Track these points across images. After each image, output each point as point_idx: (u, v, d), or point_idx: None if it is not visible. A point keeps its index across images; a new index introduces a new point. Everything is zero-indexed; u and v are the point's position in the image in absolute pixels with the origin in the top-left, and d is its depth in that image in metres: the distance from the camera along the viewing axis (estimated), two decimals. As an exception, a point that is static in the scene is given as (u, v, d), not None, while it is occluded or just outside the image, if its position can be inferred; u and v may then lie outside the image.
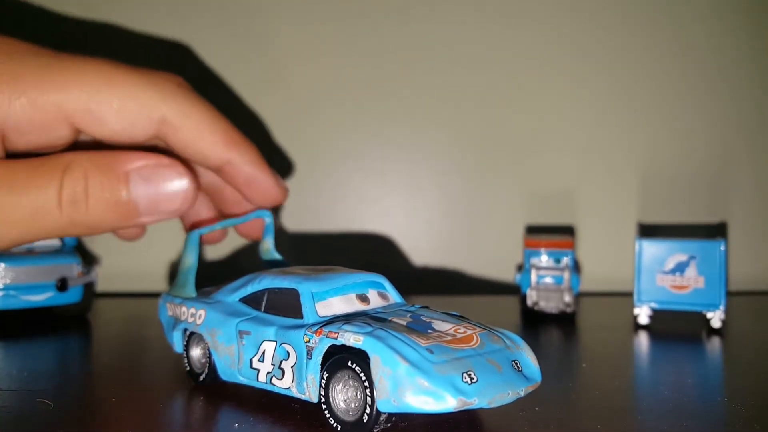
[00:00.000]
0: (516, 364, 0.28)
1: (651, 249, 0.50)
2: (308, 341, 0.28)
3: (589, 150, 0.67)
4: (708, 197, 0.67)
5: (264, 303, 0.33)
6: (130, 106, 0.33)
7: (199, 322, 0.35)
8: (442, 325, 0.29)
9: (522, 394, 0.27)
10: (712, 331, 0.48)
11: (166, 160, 0.33)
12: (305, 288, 0.31)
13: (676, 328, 0.49)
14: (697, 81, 0.67)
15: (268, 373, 0.30)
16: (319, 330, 0.28)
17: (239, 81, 0.66)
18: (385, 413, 0.26)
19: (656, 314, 0.50)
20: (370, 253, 0.67)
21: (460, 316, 0.31)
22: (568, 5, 0.66)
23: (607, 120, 0.67)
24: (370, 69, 0.67)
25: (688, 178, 0.67)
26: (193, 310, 0.35)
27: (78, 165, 0.31)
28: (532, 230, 0.66)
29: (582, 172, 0.67)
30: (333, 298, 0.31)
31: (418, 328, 0.28)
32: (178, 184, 0.33)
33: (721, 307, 0.48)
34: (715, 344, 0.45)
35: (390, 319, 0.29)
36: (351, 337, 0.27)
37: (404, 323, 0.29)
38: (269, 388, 0.30)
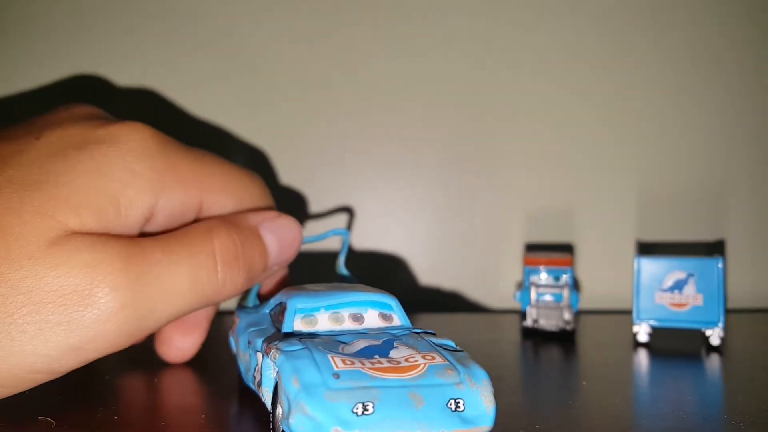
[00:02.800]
0: (456, 402, 0.26)
1: (649, 267, 0.50)
2: (266, 354, 0.30)
3: (587, 168, 0.68)
4: (707, 215, 0.68)
5: (275, 316, 0.34)
6: (244, 198, 0.39)
7: (233, 329, 0.38)
8: (401, 352, 0.28)
9: None
10: (712, 349, 0.48)
11: (277, 213, 0.39)
12: (292, 303, 0.32)
13: (676, 345, 0.49)
14: (695, 99, 0.67)
15: (257, 381, 0.31)
16: (269, 346, 0.29)
17: (227, 97, 0.67)
18: None
19: (655, 332, 0.51)
20: (372, 270, 0.68)
21: (445, 347, 0.30)
22: (565, 22, 0.67)
23: (606, 138, 0.68)
24: (365, 86, 0.67)
25: (686, 196, 0.68)
26: (236, 318, 0.39)
27: (221, 227, 0.34)
28: (532, 248, 0.66)
29: (580, 190, 0.68)
30: (320, 314, 0.32)
31: (365, 353, 0.28)
32: (294, 231, 0.38)
33: (720, 325, 0.48)
34: (714, 361, 0.45)
35: (348, 341, 0.29)
36: (274, 354, 0.28)
37: (361, 346, 0.29)
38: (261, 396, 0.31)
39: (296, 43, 0.67)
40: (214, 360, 0.44)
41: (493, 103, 0.67)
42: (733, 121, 0.68)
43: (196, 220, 0.37)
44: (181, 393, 0.38)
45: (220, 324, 0.53)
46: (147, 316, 0.30)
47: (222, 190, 0.37)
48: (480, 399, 0.26)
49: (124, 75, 0.66)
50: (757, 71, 0.67)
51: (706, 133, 0.68)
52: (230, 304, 0.62)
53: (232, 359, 0.39)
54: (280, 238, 0.37)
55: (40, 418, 0.32)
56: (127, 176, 0.32)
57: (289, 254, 0.39)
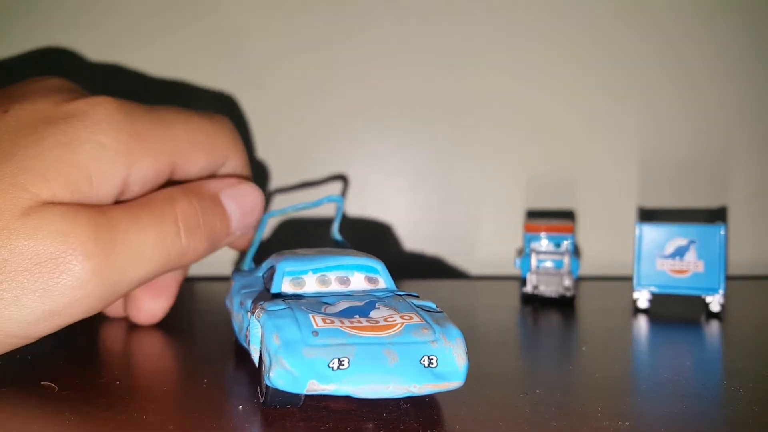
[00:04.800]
0: (429, 359, 0.27)
1: (651, 233, 0.50)
2: (251, 315, 0.31)
3: (589, 134, 0.67)
4: (709, 182, 0.67)
5: (265, 278, 0.35)
6: (215, 151, 0.39)
7: (228, 291, 0.39)
8: (381, 312, 0.30)
9: (416, 390, 0.26)
10: (712, 315, 0.48)
11: (238, 179, 0.39)
12: (281, 266, 0.33)
13: (676, 312, 0.50)
14: (698, 65, 0.67)
15: (247, 339, 0.32)
16: (255, 306, 0.30)
17: (232, 75, 0.66)
18: (272, 388, 0.27)
19: (656, 298, 0.51)
20: (370, 238, 0.67)
21: (425, 308, 0.31)
22: (569, -12, 0.66)
23: (607, 104, 0.67)
24: (367, 60, 0.66)
25: (688, 162, 0.67)
26: (231, 281, 0.40)
27: (182, 196, 0.36)
28: (533, 215, 0.66)
29: (582, 156, 0.67)
30: (307, 277, 0.33)
31: (347, 313, 0.29)
32: (255, 197, 0.39)
33: (721, 291, 0.48)
34: (713, 328, 0.45)
35: (332, 302, 0.30)
36: (259, 314, 0.29)
37: (343, 307, 0.30)
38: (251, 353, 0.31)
39: (289, 14, 0.66)
40: (213, 324, 0.44)
41: (493, 70, 0.67)
42: (736, 87, 0.67)
43: (168, 183, 0.37)
44: (182, 357, 0.38)
45: (219, 291, 0.53)
46: (118, 281, 0.32)
47: (191, 148, 0.37)
48: (453, 356, 0.27)
49: (90, 43, 0.65)
50: (760, 39, 0.66)
51: (709, 99, 0.67)
52: (227, 269, 0.63)
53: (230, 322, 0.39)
54: (240, 204, 0.39)
55: (42, 383, 0.32)
56: (97, 150, 0.32)
57: (251, 219, 0.40)
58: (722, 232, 0.48)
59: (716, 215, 0.66)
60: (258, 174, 0.66)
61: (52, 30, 0.65)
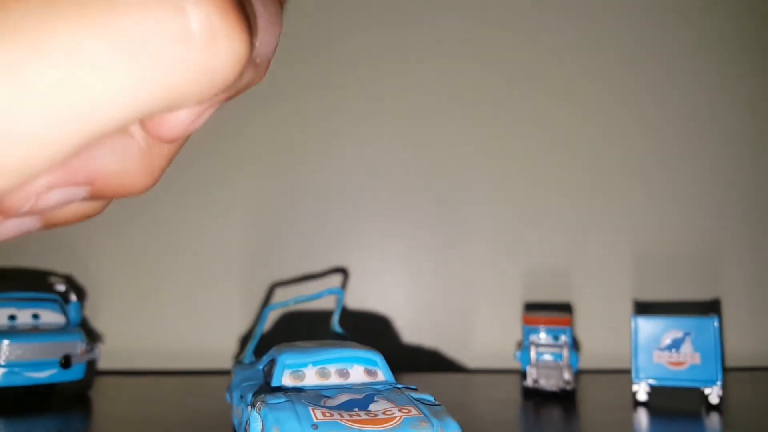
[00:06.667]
0: None
1: (647, 326, 0.50)
2: (251, 408, 0.31)
3: (584, 228, 0.69)
4: (702, 274, 0.68)
5: (266, 371, 0.36)
6: None
7: (229, 385, 0.40)
8: (380, 405, 0.30)
9: None
10: (711, 407, 0.48)
11: None
12: (281, 359, 0.34)
13: (675, 404, 0.50)
14: (691, 157, 0.69)
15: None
16: (255, 399, 0.31)
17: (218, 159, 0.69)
18: None
19: (654, 391, 0.51)
20: (369, 329, 0.68)
21: (424, 401, 0.31)
22: (554, 75, 0.70)
23: (602, 198, 0.69)
24: (367, 153, 0.69)
25: (681, 255, 0.68)
26: (232, 374, 0.40)
27: None
28: (531, 307, 0.67)
29: (577, 249, 0.69)
30: (307, 369, 0.34)
31: (346, 406, 0.30)
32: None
33: (719, 383, 0.48)
34: (713, 420, 0.45)
35: (332, 395, 0.31)
36: (259, 407, 0.29)
37: (342, 400, 0.30)
38: None
39: (289, 108, 0.69)
40: (213, 419, 0.44)
41: (488, 164, 0.69)
42: (727, 180, 0.69)
43: None
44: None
45: (219, 385, 0.53)
46: None
47: None
48: None
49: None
50: (752, 131, 0.69)
51: (700, 192, 0.69)
52: (227, 363, 0.62)
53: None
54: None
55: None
56: None
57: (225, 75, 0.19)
58: (716, 324, 0.49)
59: (710, 307, 0.67)
60: (258, 264, 0.68)
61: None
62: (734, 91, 0.69)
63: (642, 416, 0.46)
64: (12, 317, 0.53)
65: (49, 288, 0.59)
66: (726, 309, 0.68)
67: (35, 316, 0.54)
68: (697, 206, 0.69)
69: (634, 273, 0.68)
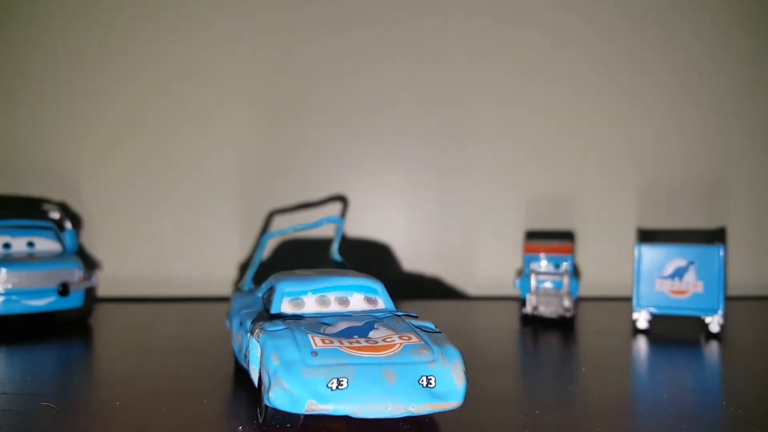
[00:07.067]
0: (428, 379, 0.27)
1: (650, 254, 0.50)
2: (250, 335, 0.31)
3: (588, 155, 0.67)
4: (708, 202, 0.68)
5: (265, 299, 0.35)
6: None
7: (228, 311, 0.40)
8: (380, 333, 0.30)
9: (414, 410, 0.26)
10: (711, 336, 0.48)
11: None
12: (280, 286, 0.33)
13: (675, 332, 0.50)
14: (696, 85, 0.67)
15: (246, 359, 0.32)
16: (254, 326, 0.30)
17: (226, 90, 0.67)
18: (271, 408, 0.27)
19: (655, 319, 0.51)
20: (369, 258, 0.68)
21: (424, 328, 0.31)
22: (566, 17, 0.67)
23: (607, 125, 0.67)
24: (368, 82, 0.67)
25: (687, 183, 0.67)
26: (231, 301, 0.40)
27: None
28: (532, 235, 0.66)
29: (581, 177, 0.68)
30: (307, 297, 0.33)
31: (346, 333, 0.29)
32: None
33: (720, 312, 0.48)
34: (713, 349, 0.45)
35: (332, 323, 0.31)
36: (258, 334, 0.29)
37: (342, 327, 0.30)
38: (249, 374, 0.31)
39: (291, 40, 0.66)
40: (213, 344, 0.44)
41: (492, 95, 0.67)
42: (734, 109, 0.67)
43: None
44: (182, 377, 0.38)
45: (219, 312, 0.53)
46: None
47: None
48: (451, 376, 0.28)
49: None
50: (757, 59, 0.67)
51: (707, 120, 0.67)
52: (227, 290, 0.63)
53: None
54: None
55: (42, 403, 0.32)
56: None
57: None
58: (721, 253, 0.48)
59: (715, 236, 0.67)
60: (259, 193, 0.67)
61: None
62: (742, 15, 0.66)
63: (641, 344, 0.46)
64: (7, 245, 0.52)
65: (44, 216, 0.58)
66: (730, 238, 0.67)
67: (30, 244, 0.53)
68: (703, 134, 0.67)
69: (638, 200, 0.67)
